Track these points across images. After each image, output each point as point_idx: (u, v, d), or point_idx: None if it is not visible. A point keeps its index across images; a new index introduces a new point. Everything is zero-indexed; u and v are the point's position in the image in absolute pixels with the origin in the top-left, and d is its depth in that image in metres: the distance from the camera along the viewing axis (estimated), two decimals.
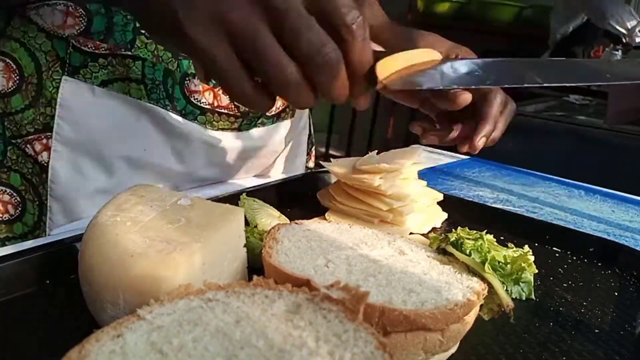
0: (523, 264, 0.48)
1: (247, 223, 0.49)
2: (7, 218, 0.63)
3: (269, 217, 0.57)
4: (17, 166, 0.61)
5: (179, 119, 0.65)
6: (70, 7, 0.58)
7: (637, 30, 2.78)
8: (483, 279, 0.43)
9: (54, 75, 0.59)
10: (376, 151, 0.65)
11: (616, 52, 2.69)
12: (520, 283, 0.49)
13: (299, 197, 0.70)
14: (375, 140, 4.11)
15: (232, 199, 0.60)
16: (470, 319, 0.40)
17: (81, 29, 0.58)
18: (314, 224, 0.50)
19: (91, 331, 0.29)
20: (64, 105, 0.59)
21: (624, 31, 2.77)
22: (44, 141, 0.60)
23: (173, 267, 0.35)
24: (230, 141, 0.70)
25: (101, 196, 0.62)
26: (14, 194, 0.62)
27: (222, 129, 0.69)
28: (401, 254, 0.46)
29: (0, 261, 0.43)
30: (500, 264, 0.46)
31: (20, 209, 0.63)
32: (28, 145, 0.60)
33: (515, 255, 0.48)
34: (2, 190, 0.62)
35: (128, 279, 0.35)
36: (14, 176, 0.61)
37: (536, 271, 0.49)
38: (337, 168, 0.62)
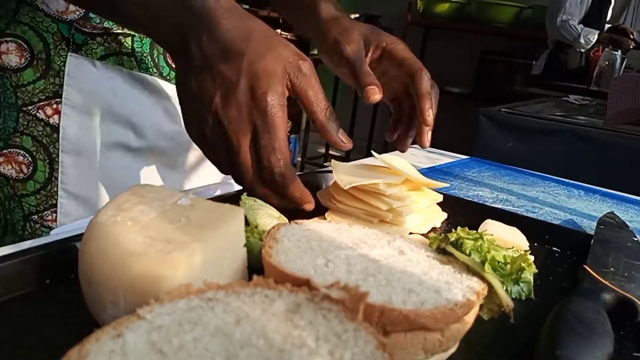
0: (523, 264, 0.48)
1: (247, 223, 0.49)
2: (21, 177, 0.74)
3: (269, 217, 0.57)
4: (28, 130, 0.72)
5: (166, 83, 0.77)
6: None
7: (580, 39, 2.91)
8: (483, 278, 0.43)
9: (60, 52, 0.70)
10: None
11: (616, 52, 2.70)
12: (520, 283, 0.49)
13: None
14: (374, 140, 4.11)
15: (232, 199, 0.60)
16: (470, 318, 0.40)
17: (80, 14, 0.70)
18: (313, 224, 0.50)
19: (91, 331, 0.29)
20: (71, 76, 0.71)
21: (571, 38, 2.90)
22: (54, 106, 0.71)
23: (173, 267, 0.35)
24: None
25: (105, 151, 0.74)
26: (26, 155, 0.73)
27: None
28: (401, 253, 0.46)
29: (0, 261, 0.43)
30: (500, 264, 0.46)
31: (32, 167, 0.73)
32: (40, 111, 0.71)
33: (515, 255, 0.48)
34: (16, 152, 0.73)
35: (128, 278, 0.35)
36: (25, 139, 0.72)
37: (536, 271, 0.49)
38: (343, 175, 0.61)
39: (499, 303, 0.42)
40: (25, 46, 0.70)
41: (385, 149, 0.68)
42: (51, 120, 0.71)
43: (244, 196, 0.60)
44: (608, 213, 0.71)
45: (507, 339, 0.44)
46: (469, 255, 0.45)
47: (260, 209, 0.58)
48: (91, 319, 0.38)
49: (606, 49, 2.79)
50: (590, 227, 0.76)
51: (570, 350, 0.37)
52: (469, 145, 1.77)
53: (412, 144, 0.96)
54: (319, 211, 0.64)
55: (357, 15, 3.59)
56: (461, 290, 0.40)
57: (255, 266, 0.44)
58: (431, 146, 0.74)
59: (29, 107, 0.71)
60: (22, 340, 0.38)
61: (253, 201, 0.59)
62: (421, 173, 0.67)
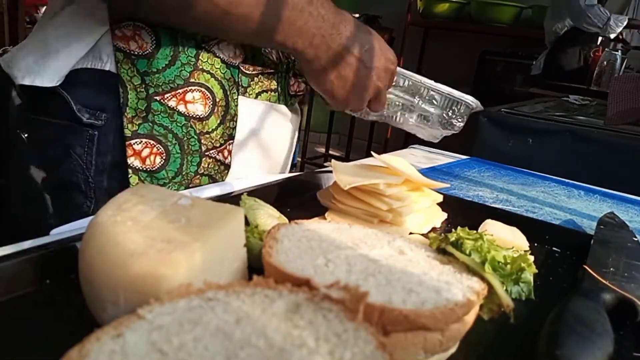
0: (523, 264, 0.48)
1: (247, 223, 0.49)
2: None
3: (269, 217, 0.57)
4: (207, 171, 0.76)
5: (287, 110, 0.87)
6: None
7: (609, 24, 2.80)
8: (483, 279, 0.43)
9: (233, 96, 0.76)
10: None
11: (615, 52, 2.70)
12: (520, 283, 0.49)
13: (299, 197, 0.70)
14: (374, 140, 4.11)
15: (232, 199, 0.60)
16: (470, 318, 0.40)
17: (244, 58, 0.76)
18: (314, 224, 0.50)
19: (91, 331, 0.29)
20: (240, 117, 0.77)
21: (597, 29, 2.80)
22: (229, 147, 0.77)
23: (173, 267, 0.35)
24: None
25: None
26: None
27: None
28: (401, 253, 0.46)
29: (0, 261, 0.43)
30: (500, 264, 0.46)
31: None
32: (219, 154, 0.77)
33: (515, 255, 0.48)
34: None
35: (128, 278, 0.35)
36: (204, 179, 0.77)
37: (536, 271, 0.49)
38: (343, 175, 0.61)
39: (499, 303, 0.42)
40: (208, 94, 0.73)
41: (385, 149, 0.68)
42: (226, 161, 0.77)
43: (244, 196, 0.60)
44: (608, 213, 0.71)
45: (507, 339, 0.44)
46: (469, 255, 0.45)
47: (260, 208, 0.58)
48: (91, 319, 0.38)
49: (606, 49, 2.79)
50: (590, 227, 0.76)
51: (570, 350, 0.37)
52: (468, 145, 1.77)
53: (411, 144, 0.96)
54: (319, 211, 0.64)
55: (357, 16, 3.58)
56: (461, 290, 0.40)
57: (255, 266, 0.44)
58: (431, 146, 0.74)
59: (211, 151, 0.75)
60: (22, 340, 0.38)
61: (253, 201, 0.59)
62: (421, 173, 0.67)
